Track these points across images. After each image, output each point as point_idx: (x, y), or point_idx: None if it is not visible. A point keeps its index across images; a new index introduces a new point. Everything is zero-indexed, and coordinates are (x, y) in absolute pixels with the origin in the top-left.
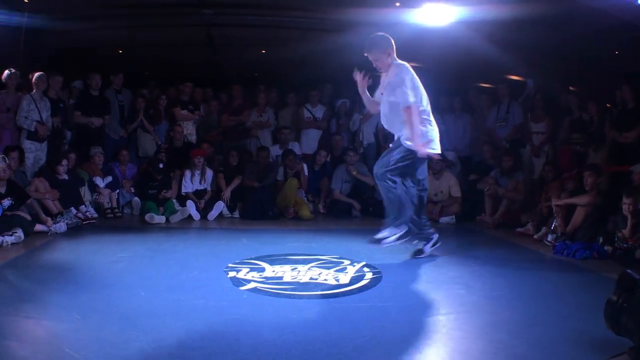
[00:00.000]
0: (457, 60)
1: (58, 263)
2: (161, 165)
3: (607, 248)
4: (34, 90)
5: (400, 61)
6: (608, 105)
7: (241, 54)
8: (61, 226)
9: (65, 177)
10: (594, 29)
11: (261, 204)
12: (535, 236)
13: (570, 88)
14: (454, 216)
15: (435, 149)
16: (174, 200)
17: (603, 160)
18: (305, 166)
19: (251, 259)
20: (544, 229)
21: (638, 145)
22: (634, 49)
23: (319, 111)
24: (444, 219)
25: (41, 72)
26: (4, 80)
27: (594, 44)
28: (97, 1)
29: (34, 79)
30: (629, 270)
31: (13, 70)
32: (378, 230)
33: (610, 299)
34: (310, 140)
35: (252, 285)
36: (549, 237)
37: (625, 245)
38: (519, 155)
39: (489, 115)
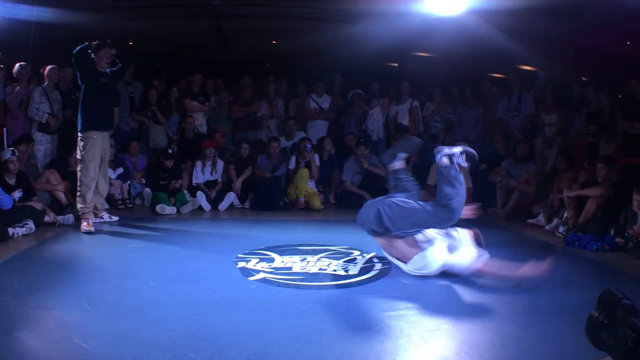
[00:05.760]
0: (469, 50)
1: (68, 254)
2: (170, 151)
3: (619, 240)
4: (46, 83)
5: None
6: (620, 96)
7: (252, 45)
8: (69, 218)
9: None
10: (605, 19)
11: (272, 195)
12: (546, 227)
13: (583, 79)
14: None
15: None
16: (185, 191)
17: (614, 151)
18: (316, 156)
19: (261, 249)
20: (555, 220)
21: None
22: None
23: (325, 101)
24: None
25: (53, 65)
26: (15, 74)
27: (605, 34)
28: None
29: (45, 72)
30: (612, 288)
31: (24, 64)
32: None
33: (592, 315)
34: (317, 131)
35: (261, 275)
36: (560, 229)
37: (636, 240)
38: (532, 145)
39: (500, 105)
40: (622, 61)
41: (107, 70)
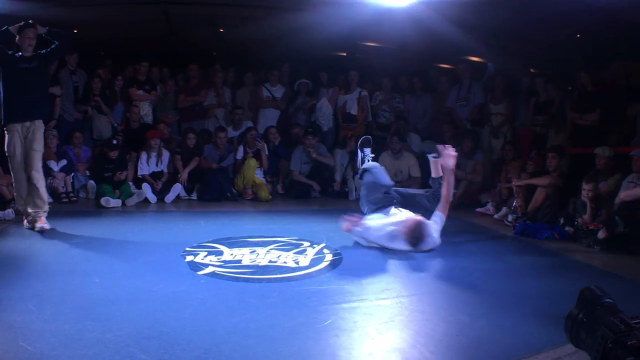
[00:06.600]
0: (418, 40)
1: (10, 251)
2: (115, 142)
3: (568, 229)
4: None
5: None
6: (570, 88)
7: (199, 33)
8: (8, 213)
9: None
10: (556, 12)
11: (219, 186)
12: (495, 216)
13: (532, 70)
14: None
15: None
16: (130, 183)
17: (563, 141)
18: (265, 146)
19: (209, 242)
20: (504, 209)
21: (597, 128)
22: (595, 33)
23: (279, 91)
24: None
25: None
26: None
27: (556, 27)
28: None
29: None
30: (592, 286)
31: None
32: None
33: (571, 312)
34: (267, 121)
35: (210, 269)
36: (509, 218)
37: (585, 229)
38: (479, 136)
39: (449, 95)
40: (571, 54)
41: (38, 52)
